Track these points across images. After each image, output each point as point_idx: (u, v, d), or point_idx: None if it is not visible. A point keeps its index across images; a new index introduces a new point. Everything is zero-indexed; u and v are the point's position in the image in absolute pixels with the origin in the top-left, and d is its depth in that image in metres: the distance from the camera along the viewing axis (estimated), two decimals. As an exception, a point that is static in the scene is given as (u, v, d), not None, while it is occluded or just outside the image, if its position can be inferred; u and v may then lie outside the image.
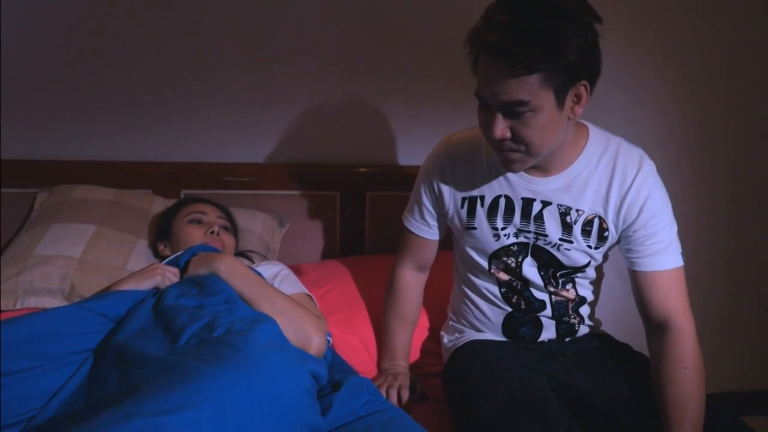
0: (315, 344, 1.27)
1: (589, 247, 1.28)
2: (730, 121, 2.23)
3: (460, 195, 1.35)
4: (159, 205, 1.82)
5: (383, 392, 1.39)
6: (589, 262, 1.31)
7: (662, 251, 1.25)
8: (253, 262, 1.64)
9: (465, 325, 1.49)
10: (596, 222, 1.27)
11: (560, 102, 1.11)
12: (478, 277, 1.42)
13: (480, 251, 1.37)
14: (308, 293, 1.49)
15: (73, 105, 1.90)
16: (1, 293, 1.49)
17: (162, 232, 1.63)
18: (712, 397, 1.24)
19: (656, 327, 1.26)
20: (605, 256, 1.36)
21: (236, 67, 1.96)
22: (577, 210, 1.27)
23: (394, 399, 1.39)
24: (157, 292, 1.32)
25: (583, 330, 1.42)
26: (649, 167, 1.25)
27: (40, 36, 1.85)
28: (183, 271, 1.41)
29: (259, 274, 1.42)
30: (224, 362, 0.98)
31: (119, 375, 1.07)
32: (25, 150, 1.88)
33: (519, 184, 1.29)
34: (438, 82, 2.08)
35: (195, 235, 1.53)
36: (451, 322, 1.54)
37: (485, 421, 1.20)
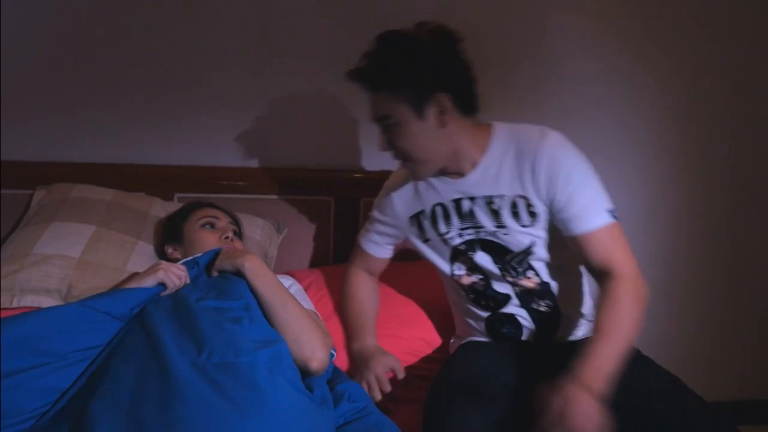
0: (318, 358, 1.27)
1: (523, 226, 1.35)
2: (725, 126, 2.27)
3: (408, 216, 1.49)
4: (158, 207, 1.82)
5: (364, 386, 1.40)
6: (532, 242, 1.37)
7: (582, 213, 1.29)
8: None
9: (462, 331, 1.57)
10: (521, 202, 1.34)
11: (419, 114, 1.29)
12: (451, 289, 1.53)
13: (440, 258, 1.48)
14: (316, 312, 1.50)
15: (68, 107, 1.91)
16: (0, 290, 1.48)
17: (171, 235, 1.61)
18: (709, 405, 1.23)
19: (599, 277, 1.31)
20: (555, 235, 1.37)
21: (232, 71, 1.97)
22: (499, 196, 1.35)
23: (376, 391, 1.40)
24: (169, 294, 1.32)
25: (576, 328, 1.43)
26: (551, 138, 1.32)
27: (38, 40, 1.86)
28: (207, 268, 1.42)
29: None
30: (254, 412, 0.99)
31: (141, 381, 1.06)
32: (18, 151, 1.87)
33: (443, 189, 1.41)
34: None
35: (209, 240, 1.52)
36: (456, 328, 1.61)
37: (428, 401, 1.30)
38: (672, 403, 1.23)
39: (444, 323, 1.66)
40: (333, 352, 1.42)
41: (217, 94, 1.97)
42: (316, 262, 2.05)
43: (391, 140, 1.34)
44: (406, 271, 1.75)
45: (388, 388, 1.40)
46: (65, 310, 1.18)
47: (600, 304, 1.27)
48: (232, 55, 1.96)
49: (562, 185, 1.29)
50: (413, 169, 1.38)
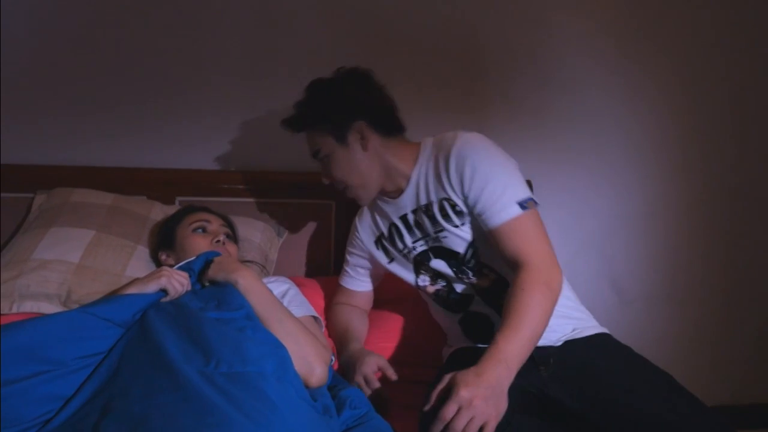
0: (317, 374, 1.26)
1: (456, 226, 1.43)
2: (726, 128, 2.28)
3: (372, 242, 1.62)
4: (158, 211, 1.81)
5: (357, 386, 1.40)
6: (471, 240, 1.43)
7: (490, 207, 1.34)
8: None
9: (451, 339, 1.59)
10: (446, 204, 1.42)
11: (342, 142, 1.44)
12: (425, 300, 1.60)
13: (406, 273, 1.57)
14: (316, 315, 1.49)
15: (69, 110, 1.91)
16: (0, 296, 1.48)
17: (164, 241, 1.60)
18: (704, 405, 1.22)
19: (514, 268, 1.33)
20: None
21: (233, 74, 1.97)
22: (430, 202, 1.45)
23: (366, 390, 1.40)
24: (169, 300, 1.30)
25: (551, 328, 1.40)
26: (461, 138, 1.40)
27: (39, 43, 1.86)
28: (200, 275, 1.41)
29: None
30: (268, 424, 0.97)
31: (151, 395, 1.04)
32: (19, 154, 1.87)
33: (389, 210, 1.54)
34: (434, 92, 2.09)
35: (200, 244, 1.51)
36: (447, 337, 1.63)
37: (423, 412, 1.25)
38: (667, 402, 1.22)
39: (436, 331, 1.66)
40: (332, 357, 1.41)
41: (218, 97, 1.98)
42: (316, 266, 2.05)
43: (328, 171, 1.50)
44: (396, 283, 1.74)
45: (376, 384, 1.41)
46: (66, 317, 1.16)
47: (507, 294, 1.29)
48: (233, 59, 1.97)
49: (470, 180, 1.36)
50: (354, 195, 1.51)
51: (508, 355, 1.17)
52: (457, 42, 2.09)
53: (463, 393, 1.09)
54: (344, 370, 1.50)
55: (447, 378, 1.14)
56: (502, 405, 1.13)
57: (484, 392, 1.10)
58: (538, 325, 1.24)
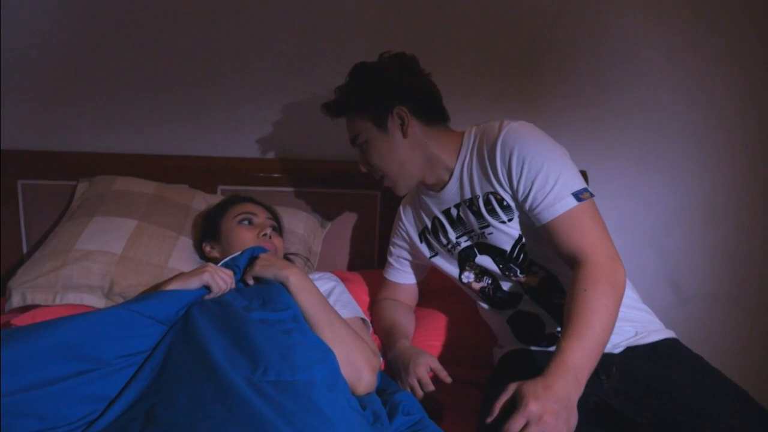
0: (365, 381, 1.22)
1: (503, 222, 1.35)
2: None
3: (417, 234, 1.56)
4: (200, 200, 1.79)
5: (408, 388, 1.34)
6: (519, 236, 1.36)
7: (543, 200, 1.26)
8: None
9: (501, 340, 1.53)
10: (492, 198, 1.35)
11: (381, 127, 1.39)
12: (472, 298, 1.53)
13: (451, 268, 1.51)
14: (363, 317, 1.44)
15: (112, 98, 1.91)
16: (37, 288, 1.46)
17: (208, 232, 1.56)
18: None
19: (572, 265, 1.25)
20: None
21: (276, 63, 1.95)
22: (474, 196, 1.38)
23: (419, 392, 1.34)
24: (212, 297, 1.27)
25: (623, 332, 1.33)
26: (509, 127, 1.32)
27: (82, 30, 1.86)
28: (244, 270, 1.37)
29: None
30: None
31: (197, 404, 1.00)
32: (62, 142, 1.88)
33: (432, 204, 1.48)
34: (487, 79, 2.04)
35: (246, 237, 1.46)
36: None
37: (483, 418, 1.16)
38: (742, 425, 1.13)
39: (486, 329, 1.60)
40: (380, 359, 1.36)
41: (261, 85, 1.95)
42: (359, 258, 2.01)
43: (366, 159, 1.44)
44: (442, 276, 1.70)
45: (431, 387, 1.34)
46: (109, 315, 1.13)
47: (568, 295, 1.20)
48: (277, 46, 1.94)
49: (518, 172, 1.28)
50: (391, 184, 1.45)
51: (576, 365, 1.09)
52: (514, 27, 2.01)
53: (533, 407, 1.01)
54: (392, 367, 1.44)
55: (512, 388, 1.07)
56: (573, 421, 1.05)
57: (554, 407, 1.02)
58: (604, 329, 1.15)
